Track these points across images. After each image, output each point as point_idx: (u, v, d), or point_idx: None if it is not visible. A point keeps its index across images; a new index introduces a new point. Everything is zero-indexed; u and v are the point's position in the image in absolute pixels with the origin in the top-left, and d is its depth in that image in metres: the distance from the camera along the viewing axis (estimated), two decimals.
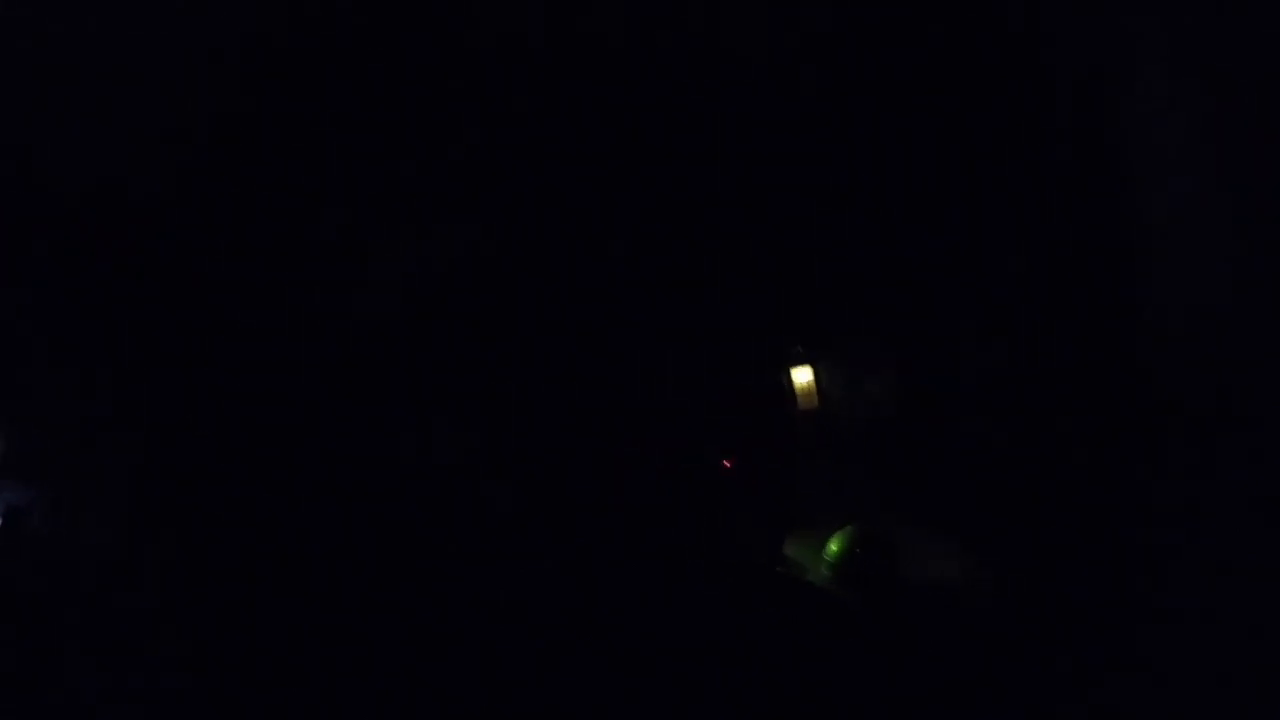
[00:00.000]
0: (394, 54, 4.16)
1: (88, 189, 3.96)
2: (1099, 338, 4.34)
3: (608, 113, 4.34)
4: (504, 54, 4.20)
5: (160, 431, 4.14)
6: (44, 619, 3.49)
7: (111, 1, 3.69)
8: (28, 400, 3.94)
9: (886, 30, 4.29)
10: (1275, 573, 3.33)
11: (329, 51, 4.08)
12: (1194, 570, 3.54)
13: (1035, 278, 4.34)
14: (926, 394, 4.69)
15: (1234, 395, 3.80)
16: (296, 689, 3.28)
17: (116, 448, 4.05)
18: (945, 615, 3.82)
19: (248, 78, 4.04)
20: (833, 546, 4.05)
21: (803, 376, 4.74)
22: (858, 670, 3.49)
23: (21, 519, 3.80)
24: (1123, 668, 3.27)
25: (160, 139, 4.02)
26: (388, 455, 4.26)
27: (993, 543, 4.06)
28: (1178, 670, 3.24)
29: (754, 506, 4.39)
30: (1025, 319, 4.45)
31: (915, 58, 4.19)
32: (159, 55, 3.81)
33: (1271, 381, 3.68)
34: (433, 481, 4.24)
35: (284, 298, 4.29)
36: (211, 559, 3.80)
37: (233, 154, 4.15)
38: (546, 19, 4.20)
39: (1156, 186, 4.20)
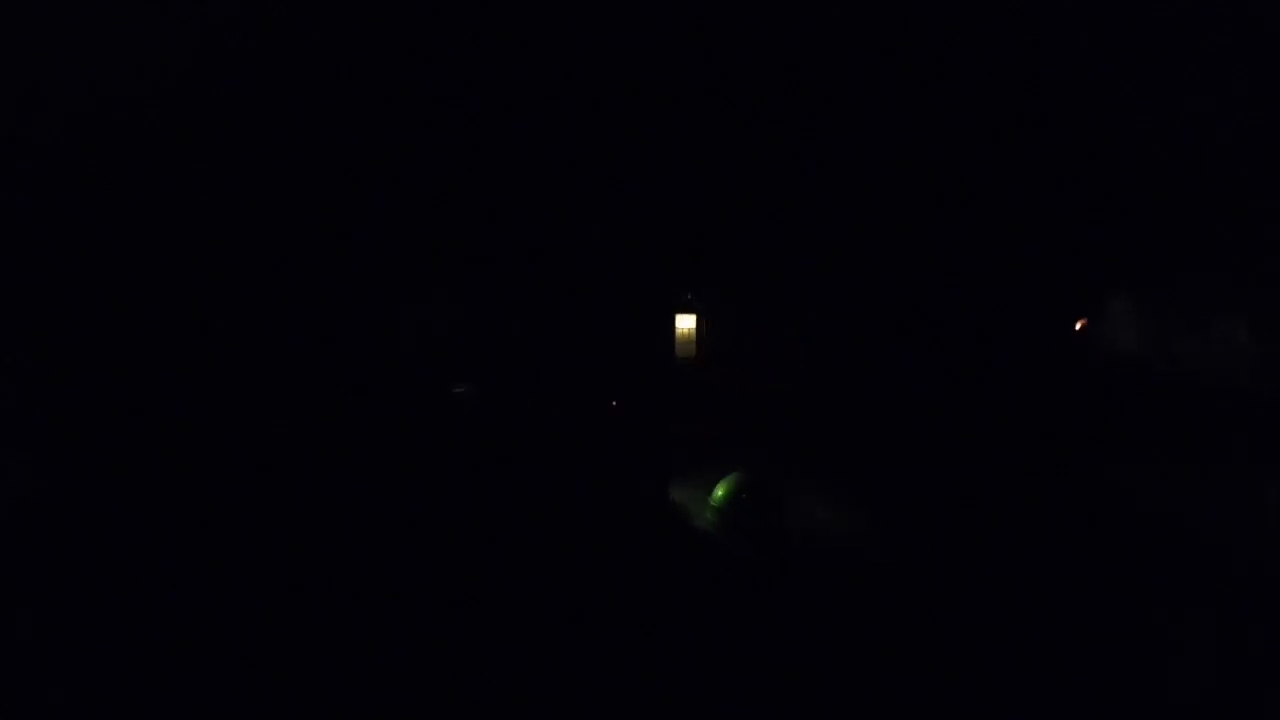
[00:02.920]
0: (395, 56, 4.15)
1: (85, 175, 3.98)
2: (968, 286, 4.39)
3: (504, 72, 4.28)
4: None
5: (157, 434, 4.14)
6: (42, 618, 3.48)
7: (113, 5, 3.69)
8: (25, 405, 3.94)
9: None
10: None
11: (331, 55, 4.08)
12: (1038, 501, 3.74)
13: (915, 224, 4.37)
14: (811, 344, 4.72)
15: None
16: (290, 688, 3.30)
17: (111, 452, 4.05)
18: (827, 557, 3.90)
19: (246, 77, 4.05)
20: (718, 492, 4.13)
21: (685, 323, 4.72)
22: (741, 609, 3.54)
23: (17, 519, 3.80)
24: (981, 605, 3.52)
25: (160, 141, 4.03)
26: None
27: (874, 488, 4.21)
28: (1022, 608, 3.50)
29: (639, 450, 4.41)
30: (908, 281, 4.48)
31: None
32: (162, 56, 3.81)
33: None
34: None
35: (277, 297, 4.30)
36: (209, 559, 3.81)
37: (229, 151, 4.15)
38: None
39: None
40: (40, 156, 3.86)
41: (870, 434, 4.63)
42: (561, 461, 4.32)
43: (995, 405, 4.46)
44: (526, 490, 4.11)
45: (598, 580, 3.60)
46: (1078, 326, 4.41)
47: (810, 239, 4.63)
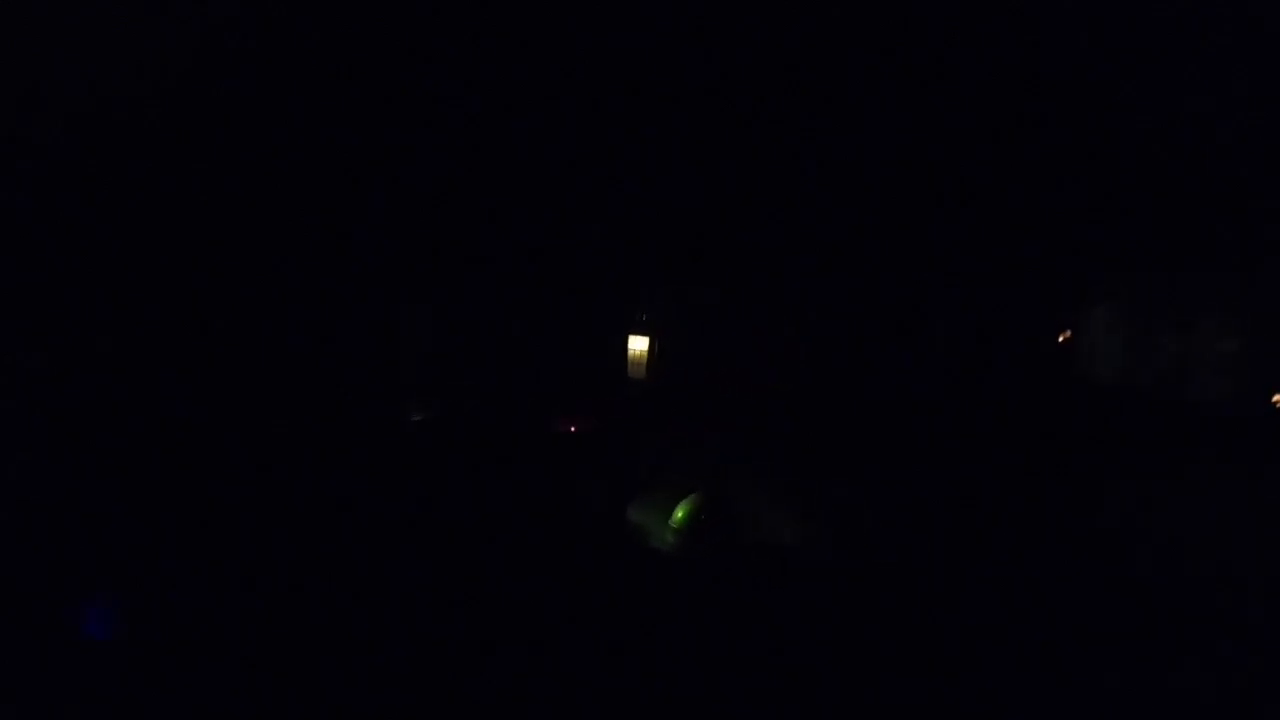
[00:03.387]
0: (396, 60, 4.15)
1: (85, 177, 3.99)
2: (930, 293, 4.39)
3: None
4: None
5: (156, 431, 4.14)
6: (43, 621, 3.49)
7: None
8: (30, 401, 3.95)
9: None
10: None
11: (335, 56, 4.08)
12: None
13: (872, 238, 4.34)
14: (767, 363, 4.68)
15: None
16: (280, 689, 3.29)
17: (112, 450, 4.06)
18: (786, 578, 3.87)
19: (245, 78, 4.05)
20: (678, 513, 4.09)
21: (639, 345, 4.67)
22: (702, 631, 3.50)
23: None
24: (959, 627, 3.50)
25: (160, 140, 4.03)
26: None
27: (832, 505, 4.17)
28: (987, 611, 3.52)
29: (598, 471, 4.36)
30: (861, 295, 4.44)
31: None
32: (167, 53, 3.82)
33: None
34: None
35: (270, 297, 4.30)
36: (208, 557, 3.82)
37: (229, 149, 4.16)
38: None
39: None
40: (40, 156, 3.87)
41: (836, 445, 4.58)
42: (517, 482, 4.26)
43: (965, 406, 4.44)
44: (479, 512, 4.06)
45: (554, 604, 3.57)
46: (1061, 339, 4.41)
47: (774, 253, 4.59)
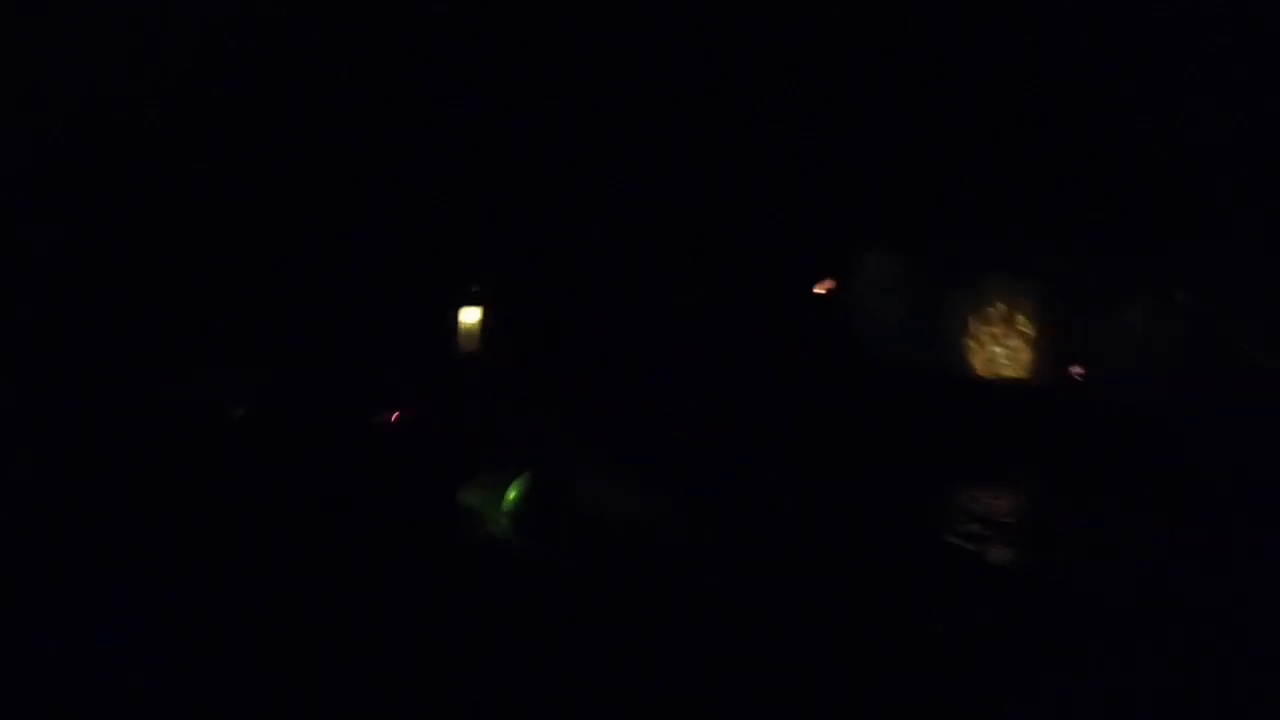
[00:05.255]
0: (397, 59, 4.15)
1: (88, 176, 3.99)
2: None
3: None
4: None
5: (157, 430, 4.14)
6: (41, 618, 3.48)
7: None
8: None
9: None
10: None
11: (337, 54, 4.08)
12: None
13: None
14: (603, 332, 4.51)
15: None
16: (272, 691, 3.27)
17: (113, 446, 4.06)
18: (628, 554, 3.81)
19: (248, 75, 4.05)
20: (510, 495, 3.99)
21: (470, 317, 4.38)
22: (543, 614, 3.40)
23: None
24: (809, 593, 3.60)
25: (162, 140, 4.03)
26: None
27: (673, 479, 4.09)
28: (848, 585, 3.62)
29: (425, 457, 4.17)
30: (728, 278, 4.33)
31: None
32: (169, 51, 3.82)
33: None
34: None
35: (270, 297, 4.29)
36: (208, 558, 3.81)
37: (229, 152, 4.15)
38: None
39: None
40: (40, 156, 3.87)
41: (664, 424, 4.51)
42: (341, 472, 4.13)
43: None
44: (302, 503, 3.95)
45: (384, 590, 3.48)
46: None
47: (599, 223, 4.49)
